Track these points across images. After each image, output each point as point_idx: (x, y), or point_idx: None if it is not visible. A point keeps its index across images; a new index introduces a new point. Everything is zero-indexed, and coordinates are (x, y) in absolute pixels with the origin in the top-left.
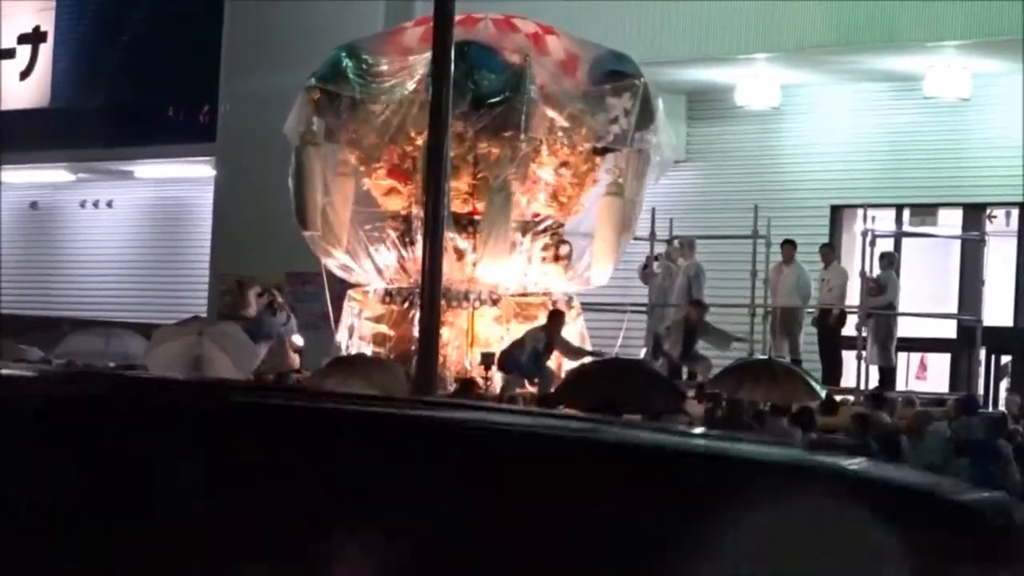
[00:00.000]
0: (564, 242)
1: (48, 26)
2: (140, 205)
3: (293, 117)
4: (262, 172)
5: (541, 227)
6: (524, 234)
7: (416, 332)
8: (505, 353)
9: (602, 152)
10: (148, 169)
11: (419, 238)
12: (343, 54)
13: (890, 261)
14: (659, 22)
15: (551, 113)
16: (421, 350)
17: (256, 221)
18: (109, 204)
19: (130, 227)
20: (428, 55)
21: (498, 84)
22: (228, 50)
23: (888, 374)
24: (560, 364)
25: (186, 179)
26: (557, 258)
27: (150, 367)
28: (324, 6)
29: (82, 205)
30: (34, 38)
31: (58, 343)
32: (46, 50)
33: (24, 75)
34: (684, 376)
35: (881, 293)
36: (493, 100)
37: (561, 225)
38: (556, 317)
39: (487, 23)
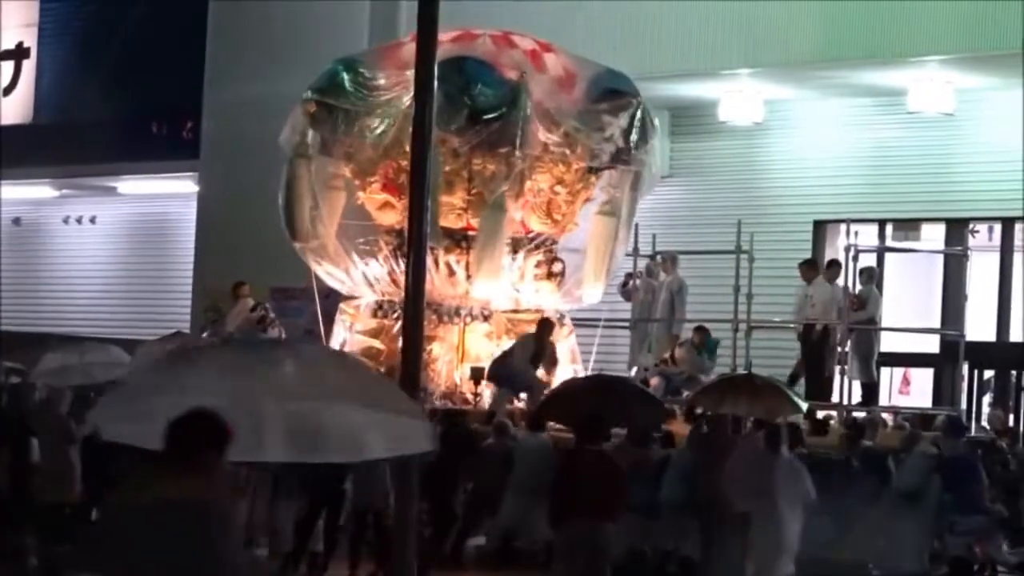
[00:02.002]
0: (557, 259)
1: (31, 42)
2: (123, 221)
3: (288, 129)
4: (245, 187)
5: (534, 244)
6: (517, 251)
7: None
8: (496, 363)
9: (597, 170)
10: (131, 185)
11: None
12: (340, 67)
13: (870, 276)
14: (642, 37)
15: (547, 130)
16: (404, 363)
17: (239, 236)
18: (92, 220)
19: (113, 243)
20: None
21: (495, 100)
22: (211, 66)
23: (870, 389)
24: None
25: (169, 195)
26: (550, 275)
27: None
28: (308, 22)
29: (65, 221)
30: (17, 54)
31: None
32: (29, 66)
33: (7, 91)
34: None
35: (862, 308)
36: (489, 116)
37: (555, 242)
38: (546, 325)
39: (485, 39)
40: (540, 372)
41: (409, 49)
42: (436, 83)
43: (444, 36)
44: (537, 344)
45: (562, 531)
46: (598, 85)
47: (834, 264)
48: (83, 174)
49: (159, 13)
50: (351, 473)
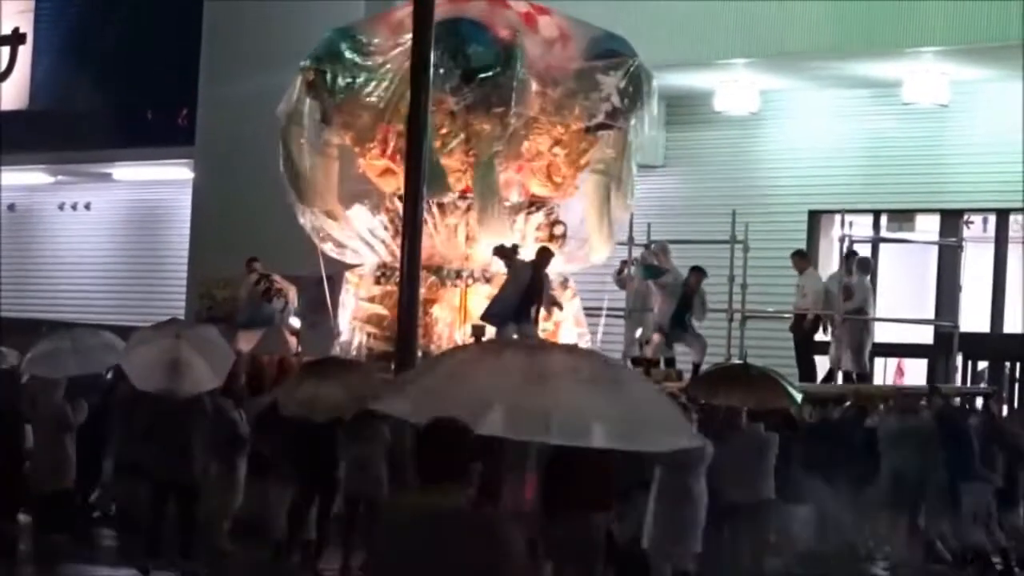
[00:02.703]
0: (559, 222)
1: (27, 28)
2: (118, 207)
3: (285, 98)
4: (240, 174)
5: (534, 206)
6: (517, 213)
7: None
8: (493, 300)
9: (596, 130)
10: (126, 171)
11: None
12: (337, 35)
13: (864, 267)
14: (638, 26)
15: (543, 90)
16: (400, 328)
17: (234, 223)
18: (87, 207)
19: (108, 229)
20: None
21: (488, 59)
22: (207, 53)
23: (863, 380)
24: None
25: (164, 181)
26: (552, 238)
27: (127, 370)
28: (303, 8)
29: (60, 207)
30: (13, 40)
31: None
32: (25, 52)
33: (2, 77)
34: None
35: (850, 298)
36: (483, 75)
37: (556, 205)
38: (544, 253)
39: (479, 2)
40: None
41: (404, 13)
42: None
43: (437, 1)
44: (535, 272)
45: (553, 523)
46: (594, 46)
47: (852, 255)
48: (78, 160)
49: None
50: (344, 460)
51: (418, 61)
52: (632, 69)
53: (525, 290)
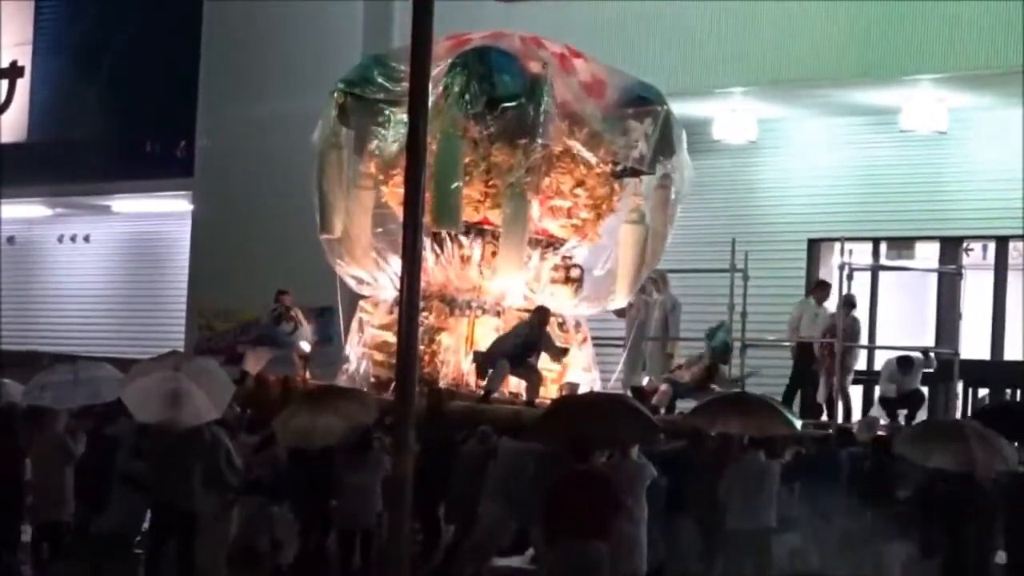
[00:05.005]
0: (576, 265)
1: (25, 61)
2: (117, 240)
3: (320, 124)
4: (239, 206)
5: (551, 247)
6: (533, 249)
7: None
8: (492, 346)
9: (620, 175)
10: (125, 204)
11: (432, 247)
12: (371, 61)
13: (850, 303)
14: (634, 56)
15: (570, 130)
16: (399, 356)
17: (233, 255)
18: (86, 239)
19: (108, 262)
20: (449, 61)
21: (514, 88)
22: (205, 84)
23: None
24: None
25: (164, 213)
26: (568, 280)
27: (126, 402)
28: (301, 40)
29: (59, 240)
30: (11, 73)
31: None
32: (23, 85)
33: (1, 110)
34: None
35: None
36: (508, 104)
37: (575, 247)
38: (541, 313)
39: (515, 38)
40: (543, 362)
41: (441, 46)
42: (457, 71)
43: (477, 35)
44: (532, 332)
45: (554, 550)
46: (626, 93)
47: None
48: (77, 193)
49: (153, 31)
50: (338, 490)
51: (416, 85)
52: (662, 117)
53: (523, 342)
